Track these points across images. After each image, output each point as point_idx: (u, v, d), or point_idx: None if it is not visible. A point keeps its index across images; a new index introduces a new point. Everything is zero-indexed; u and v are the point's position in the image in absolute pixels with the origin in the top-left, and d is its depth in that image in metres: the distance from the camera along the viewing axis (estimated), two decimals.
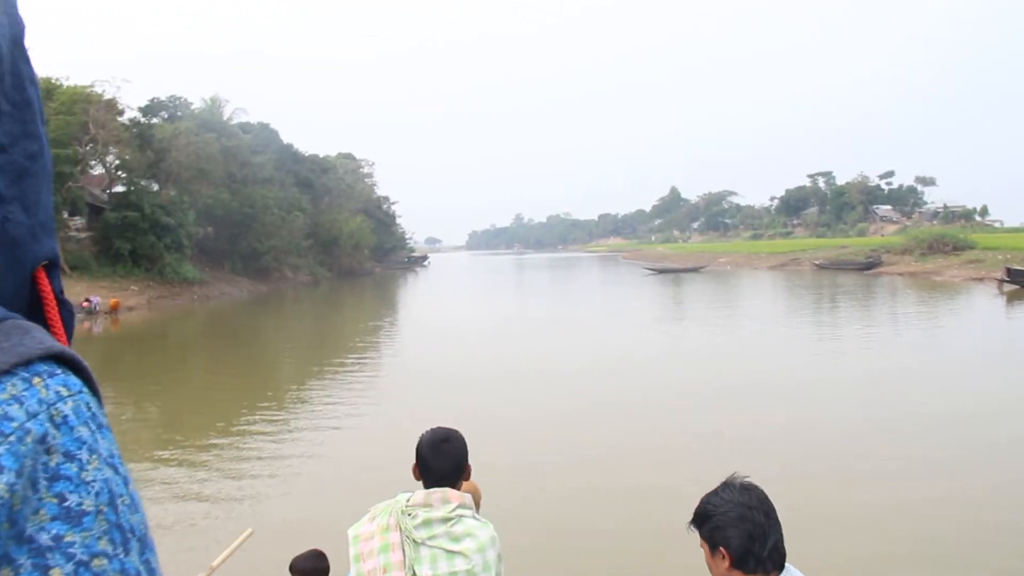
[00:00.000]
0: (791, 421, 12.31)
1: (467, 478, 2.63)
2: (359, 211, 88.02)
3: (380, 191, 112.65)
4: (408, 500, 2.47)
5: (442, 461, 2.54)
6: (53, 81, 42.39)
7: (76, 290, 37.74)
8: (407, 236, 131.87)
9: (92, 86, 42.63)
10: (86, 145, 40.87)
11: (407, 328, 33.00)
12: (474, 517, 2.49)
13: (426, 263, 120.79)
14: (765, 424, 11.98)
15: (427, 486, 2.53)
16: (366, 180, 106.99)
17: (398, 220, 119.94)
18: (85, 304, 35.14)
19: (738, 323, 28.07)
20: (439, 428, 2.65)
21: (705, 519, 2.11)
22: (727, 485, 2.12)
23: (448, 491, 2.48)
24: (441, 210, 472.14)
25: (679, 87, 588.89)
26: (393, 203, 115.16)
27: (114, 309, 35.80)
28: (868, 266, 58.50)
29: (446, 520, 2.42)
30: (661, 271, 69.76)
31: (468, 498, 2.52)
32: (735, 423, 12.08)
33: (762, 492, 2.10)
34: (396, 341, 28.02)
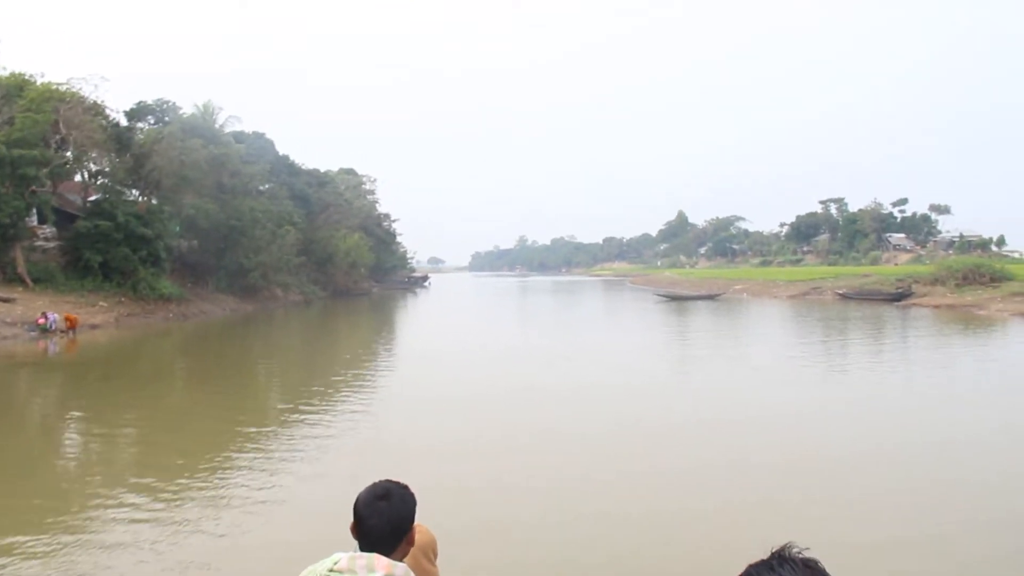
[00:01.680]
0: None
1: (411, 543, 2.39)
2: (358, 228, 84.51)
3: (382, 208, 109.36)
4: (335, 563, 2.22)
5: (377, 521, 2.32)
6: (26, 77, 39.06)
7: (37, 304, 34.24)
8: (409, 255, 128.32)
9: (66, 84, 39.15)
10: (56, 147, 37.33)
11: (397, 356, 29.38)
12: None
13: (427, 284, 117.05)
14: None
15: (361, 548, 2.32)
16: (367, 197, 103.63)
17: (399, 238, 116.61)
18: (41, 320, 31.56)
19: (782, 363, 24.38)
20: (380, 482, 2.41)
21: None
22: (785, 561, 1.67)
23: (375, 558, 2.23)
24: (445, 230, 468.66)
25: (685, 111, 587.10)
26: (394, 220, 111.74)
27: (72, 327, 32.04)
28: (898, 297, 54.94)
29: None
30: (674, 298, 66.13)
31: (400, 568, 2.23)
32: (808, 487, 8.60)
33: (826, 572, 1.69)
34: (382, 370, 24.38)
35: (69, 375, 24.35)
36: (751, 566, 1.75)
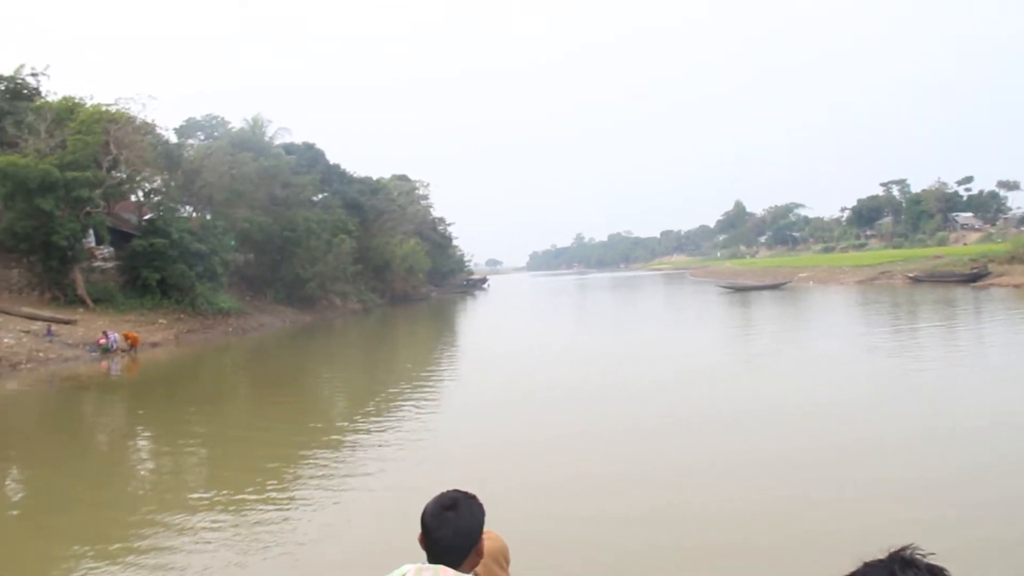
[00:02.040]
0: None
1: (480, 553, 2.35)
2: (413, 233, 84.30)
3: (438, 213, 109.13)
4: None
5: (444, 532, 2.28)
6: (77, 101, 39.24)
7: (98, 325, 34.24)
8: (466, 258, 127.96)
9: (115, 104, 39.26)
10: (108, 168, 37.38)
11: (458, 361, 28.56)
12: None
13: (485, 286, 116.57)
14: None
15: (429, 559, 2.30)
16: (421, 202, 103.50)
17: (456, 242, 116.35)
18: (102, 340, 31.44)
19: (871, 355, 22.85)
20: (447, 493, 2.38)
21: None
22: (908, 565, 1.53)
23: (442, 570, 2.23)
24: (502, 232, 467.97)
25: (738, 97, 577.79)
26: (449, 224, 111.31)
27: (133, 346, 31.91)
28: (973, 278, 52.26)
29: None
30: (738, 289, 64.19)
31: None
32: None
33: None
34: (445, 377, 23.56)
35: (131, 395, 24.10)
36: (867, 565, 1.60)
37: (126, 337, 32.00)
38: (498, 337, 37.47)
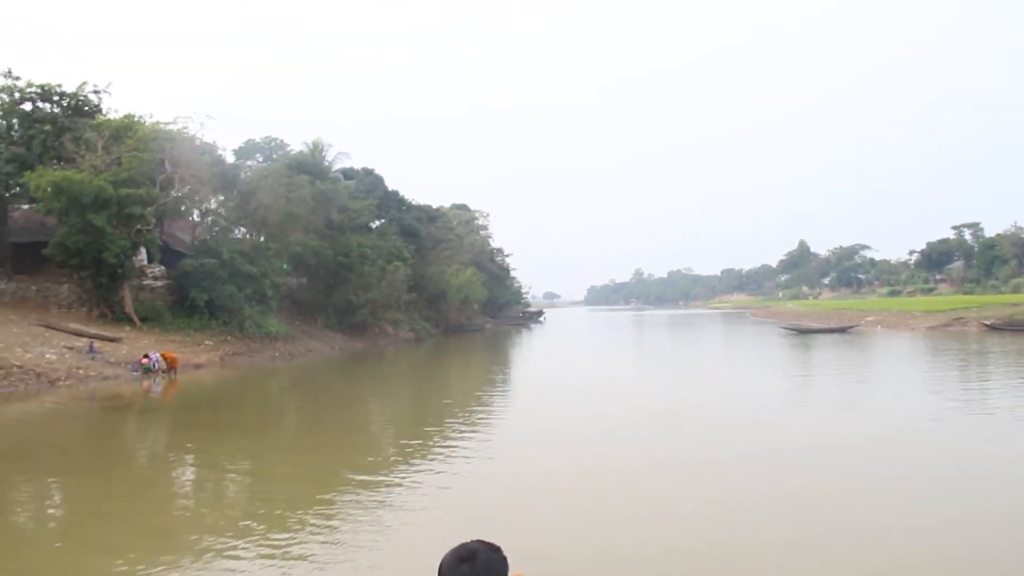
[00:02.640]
0: None
1: None
2: (470, 263, 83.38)
3: (496, 243, 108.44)
4: None
5: None
6: (136, 119, 39.14)
7: (143, 344, 33.72)
8: (523, 290, 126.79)
9: (173, 122, 39.08)
10: (163, 186, 37.08)
11: (510, 397, 27.09)
12: None
13: (541, 319, 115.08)
14: None
15: None
16: (480, 232, 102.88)
17: (513, 273, 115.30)
18: (144, 361, 30.74)
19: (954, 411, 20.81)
20: (467, 544, 2.29)
21: None
22: None
23: None
24: (561, 265, 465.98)
25: (805, 130, 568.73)
26: (507, 255, 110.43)
27: (172, 367, 31.12)
28: None
29: None
30: (802, 331, 61.58)
31: None
32: None
33: None
34: (495, 409, 22.13)
35: (170, 417, 23.42)
36: None
37: (164, 357, 31.26)
38: (550, 372, 35.98)
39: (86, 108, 39.06)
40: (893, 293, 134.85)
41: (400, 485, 12.91)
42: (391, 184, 67.00)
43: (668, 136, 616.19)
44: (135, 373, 30.23)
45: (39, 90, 37.90)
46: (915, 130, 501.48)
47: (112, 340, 32.65)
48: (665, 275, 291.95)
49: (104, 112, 39.86)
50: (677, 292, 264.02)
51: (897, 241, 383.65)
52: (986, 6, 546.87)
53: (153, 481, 14.52)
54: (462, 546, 2.26)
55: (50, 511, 12.53)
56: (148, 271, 39.26)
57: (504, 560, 2.26)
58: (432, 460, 14.92)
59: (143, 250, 38.41)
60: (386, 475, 13.93)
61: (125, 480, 14.43)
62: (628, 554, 9.23)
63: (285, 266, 47.05)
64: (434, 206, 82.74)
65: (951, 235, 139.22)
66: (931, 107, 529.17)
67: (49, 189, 32.72)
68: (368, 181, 62.63)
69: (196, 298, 37.64)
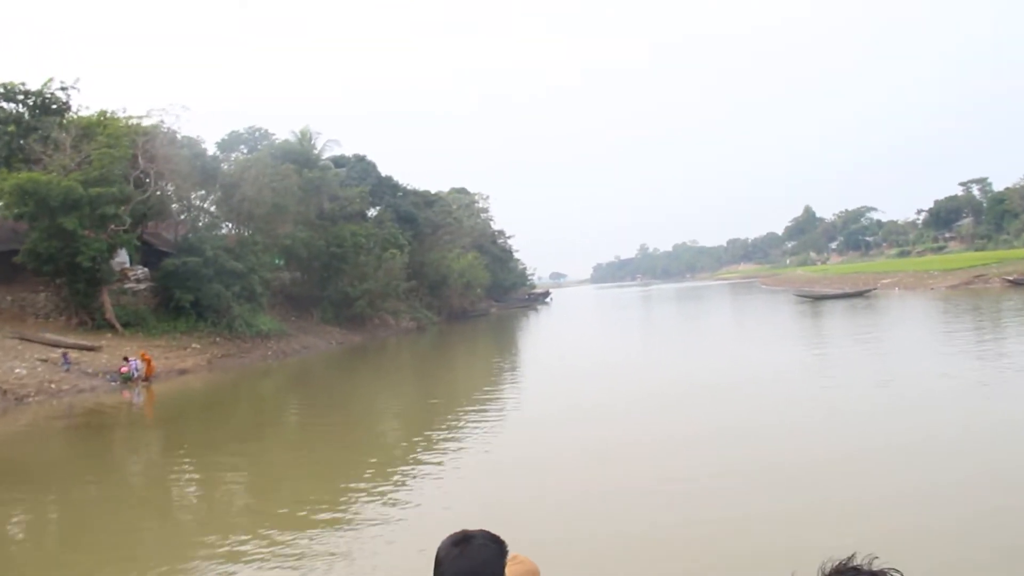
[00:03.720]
0: None
1: None
2: (471, 247, 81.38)
3: (499, 226, 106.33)
4: None
5: (447, 569, 2.16)
6: (108, 115, 37.07)
7: (126, 350, 31.72)
8: (529, 272, 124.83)
9: (146, 115, 37.03)
10: (138, 184, 35.06)
11: (514, 385, 25.10)
12: None
13: (548, 300, 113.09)
14: None
15: None
16: (481, 215, 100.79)
17: (517, 255, 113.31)
18: (124, 368, 28.84)
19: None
20: (461, 532, 2.25)
21: None
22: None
23: None
24: (565, 245, 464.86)
25: (804, 99, 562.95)
26: (509, 237, 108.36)
27: (148, 375, 29.19)
28: None
29: None
30: (816, 298, 59.42)
31: None
32: None
33: None
34: (502, 403, 20.17)
35: (151, 432, 21.46)
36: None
37: (141, 357, 29.35)
38: (555, 357, 34.05)
39: (54, 106, 36.98)
40: (903, 254, 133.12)
41: (406, 483, 12.57)
42: (385, 171, 64.92)
43: (669, 114, 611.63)
44: (113, 383, 28.35)
45: (1, 89, 35.83)
46: (913, 96, 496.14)
47: (90, 349, 30.74)
48: (670, 248, 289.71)
49: (74, 110, 37.84)
50: (683, 265, 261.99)
51: (904, 201, 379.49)
52: None
53: (139, 510, 12.66)
54: (460, 532, 2.23)
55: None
56: (130, 274, 37.28)
57: (500, 547, 2.21)
58: (439, 454, 14.40)
59: (124, 252, 36.43)
60: (390, 476, 13.22)
61: (105, 505, 12.80)
62: (639, 533, 9.22)
63: (279, 261, 45.12)
64: (432, 191, 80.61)
65: (959, 192, 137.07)
66: (932, 70, 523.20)
67: (14, 193, 30.71)
68: (360, 168, 60.56)
69: (181, 299, 35.70)
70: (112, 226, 32.84)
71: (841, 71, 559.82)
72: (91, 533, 11.22)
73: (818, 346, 29.52)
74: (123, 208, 33.08)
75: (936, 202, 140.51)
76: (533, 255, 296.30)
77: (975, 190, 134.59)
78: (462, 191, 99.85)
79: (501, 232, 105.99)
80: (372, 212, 59.79)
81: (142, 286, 37.37)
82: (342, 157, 60.05)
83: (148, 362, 29.39)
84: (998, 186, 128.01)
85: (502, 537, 2.26)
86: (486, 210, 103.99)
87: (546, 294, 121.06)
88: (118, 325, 34.07)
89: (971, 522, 8.63)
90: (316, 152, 55.02)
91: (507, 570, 2.27)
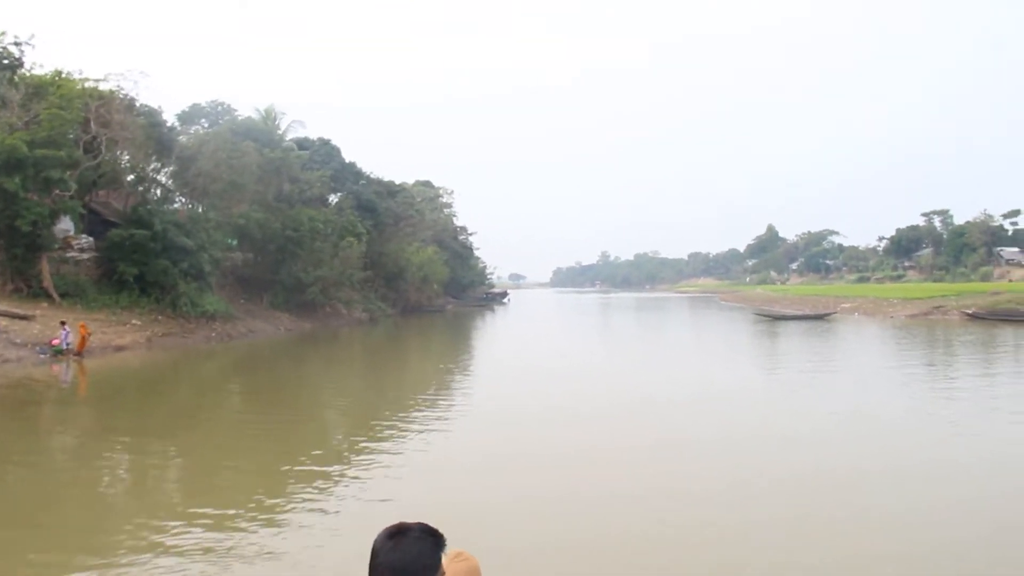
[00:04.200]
0: None
1: None
2: (432, 241, 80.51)
3: (462, 222, 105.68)
4: None
5: (381, 560, 2.08)
6: (63, 75, 35.61)
7: (59, 322, 30.36)
8: (488, 271, 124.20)
9: (103, 79, 35.63)
10: (88, 149, 33.72)
11: (465, 387, 24.35)
12: None
13: (505, 300, 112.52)
14: None
15: None
16: (444, 210, 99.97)
17: (478, 253, 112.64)
18: (55, 341, 27.54)
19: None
20: (397, 524, 2.17)
21: None
22: None
23: None
24: (526, 247, 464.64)
25: (775, 120, 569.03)
26: (471, 234, 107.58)
27: (80, 349, 27.93)
28: None
29: None
30: (776, 318, 59.41)
31: None
32: None
33: None
34: (447, 400, 19.41)
35: (81, 411, 20.18)
36: None
37: (82, 332, 28.07)
38: (511, 363, 33.37)
39: (5, 61, 35.48)
40: (862, 279, 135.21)
41: (348, 477, 12.13)
42: (349, 157, 63.79)
43: (636, 124, 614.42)
44: (43, 356, 27.05)
45: None
46: (882, 127, 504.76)
47: (22, 318, 29.38)
48: (632, 257, 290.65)
49: (27, 67, 36.34)
50: (643, 275, 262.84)
51: (866, 227, 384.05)
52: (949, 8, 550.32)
53: (56, 497, 11.51)
54: (396, 525, 2.15)
55: None
56: (73, 242, 35.84)
57: (437, 544, 2.12)
58: (382, 452, 13.84)
59: (68, 219, 35.01)
60: (332, 468, 12.78)
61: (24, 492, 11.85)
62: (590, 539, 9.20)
63: (232, 241, 43.87)
64: (397, 182, 79.53)
65: (921, 222, 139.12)
66: (899, 104, 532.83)
67: None
68: (324, 152, 59.39)
69: (125, 272, 34.42)
70: (57, 191, 31.54)
71: (815, 95, 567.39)
72: None
73: (771, 369, 29.18)
74: (70, 173, 31.80)
75: (898, 230, 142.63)
76: (494, 254, 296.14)
77: (936, 221, 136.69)
78: (427, 184, 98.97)
79: (463, 228, 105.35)
80: (333, 198, 58.72)
81: (85, 256, 35.96)
82: (306, 139, 58.88)
83: (84, 336, 28.10)
84: (959, 219, 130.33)
85: (440, 531, 2.15)
86: (450, 205, 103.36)
87: (504, 294, 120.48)
88: (55, 294, 32.70)
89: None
90: (280, 132, 53.87)
91: (450, 567, 2.20)
